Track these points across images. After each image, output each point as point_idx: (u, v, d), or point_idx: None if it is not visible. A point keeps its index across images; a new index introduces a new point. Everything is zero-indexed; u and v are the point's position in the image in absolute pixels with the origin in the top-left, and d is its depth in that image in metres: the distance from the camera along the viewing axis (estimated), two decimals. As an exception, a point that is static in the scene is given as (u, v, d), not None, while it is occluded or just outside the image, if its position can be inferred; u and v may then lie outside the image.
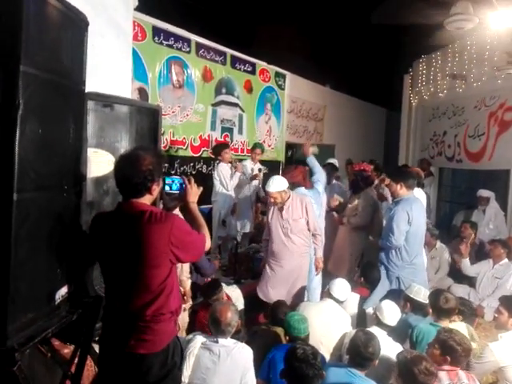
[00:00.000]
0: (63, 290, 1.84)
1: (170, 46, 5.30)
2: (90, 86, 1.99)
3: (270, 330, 3.05)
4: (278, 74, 7.25)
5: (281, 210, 3.65)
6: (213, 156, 5.70)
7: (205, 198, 4.93)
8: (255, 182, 5.42)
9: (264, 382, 2.55)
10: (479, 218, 5.72)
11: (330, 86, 9.27)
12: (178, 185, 2.03)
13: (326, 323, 3.02)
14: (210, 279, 3.50)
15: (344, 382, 2.28)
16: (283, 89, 7.41)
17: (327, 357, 2.87)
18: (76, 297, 1.94)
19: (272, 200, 3.59)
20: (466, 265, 4.66)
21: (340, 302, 3.24)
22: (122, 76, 3.86)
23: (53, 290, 1.78)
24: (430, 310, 2.99)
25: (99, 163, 2.27)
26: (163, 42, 5.21)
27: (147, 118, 2.47)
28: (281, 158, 7.48)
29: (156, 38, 5.12)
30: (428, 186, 6.99)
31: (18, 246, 1.49)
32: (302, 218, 3.63)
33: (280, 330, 2.99)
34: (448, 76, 7.32)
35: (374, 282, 3.74)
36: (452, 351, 2.27)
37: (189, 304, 3.31)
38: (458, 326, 2.88)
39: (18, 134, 1.43)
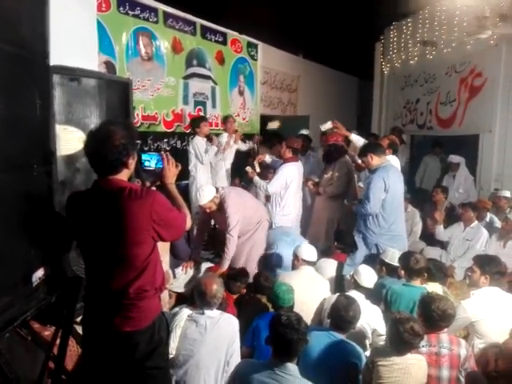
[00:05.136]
0: (40, 272, 1.80)
1: (137, 17, 5.07)
2: (55, 61, 1.88)
3: (255, 298, 3.12)
4: (250, 44, 7.06)
5: (217, 214, 3.62)
6: (187, 131, 5.60)
7: (181, 174, 4.86)
8: (231, 155, 5.39)
9: (249, 349, 2.62)
10: (449, 182, 5.91)
11: (303, 56, 9.15)
12: (156, 161, 1.99)
13: (306, 289, 3.08)
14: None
15: (326, 344, 2.37)
16: (256, 59, 7.24)
17: (308, 322, 2.95)
18: (54, 278, 1.91)
19: (208, 210, 3.57)
20: (440, 230, 4.81)
21: (312, 264, 3.32)
22: (88, 49, 3.67)
23: (29, 272, 1.74)
24: (402, 272, 3.09)
25: (69, 140, 2.18)
26: (129, 12, 4.96)
27: (117, 92, 2.38)
28: (256, 131, 7.40)
29: (121, 8, 4.87)
30: (400, 153, 7.11)
31: (-11, 229, 1.44)
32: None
33: (263, 298, 3.06)
34: (419, 43, 7.34)
35: (348, 246, 3.84)
36: (427, 316, 2.35)
37: (169, 285, 3.32)
38: (434, 287, 2.99)
39: (-20, 112, 1.36)
